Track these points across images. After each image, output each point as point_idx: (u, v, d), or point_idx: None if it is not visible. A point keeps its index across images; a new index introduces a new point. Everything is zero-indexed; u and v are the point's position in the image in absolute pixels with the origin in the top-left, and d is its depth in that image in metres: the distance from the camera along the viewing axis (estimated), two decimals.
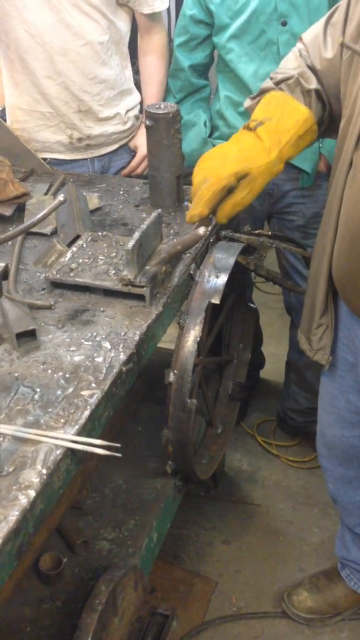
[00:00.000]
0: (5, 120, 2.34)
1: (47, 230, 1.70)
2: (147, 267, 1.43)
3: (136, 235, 1.38)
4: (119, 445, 1.12)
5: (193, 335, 1.53)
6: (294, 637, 1.99)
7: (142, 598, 1.53)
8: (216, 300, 1.55)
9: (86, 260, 1.50)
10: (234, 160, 1.35)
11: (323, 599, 2.01)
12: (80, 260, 1.50)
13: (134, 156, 2.31)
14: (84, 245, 1.56)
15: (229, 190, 1.35)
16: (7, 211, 1.74)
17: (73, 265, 1.48)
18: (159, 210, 1.50)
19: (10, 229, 1.74)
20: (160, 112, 1.68)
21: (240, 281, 1.94)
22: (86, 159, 2.26)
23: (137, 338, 1.32)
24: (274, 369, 2.96)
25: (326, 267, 1.46)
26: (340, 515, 1.94)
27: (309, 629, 2.01)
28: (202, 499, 2.39)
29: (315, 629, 2.00)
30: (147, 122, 1.70)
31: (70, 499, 1.55)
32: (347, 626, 2.02)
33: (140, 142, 2.26)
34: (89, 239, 1.58)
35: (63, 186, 1.93)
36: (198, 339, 1.53)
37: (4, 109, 2.35)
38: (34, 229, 1.70)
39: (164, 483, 1.77)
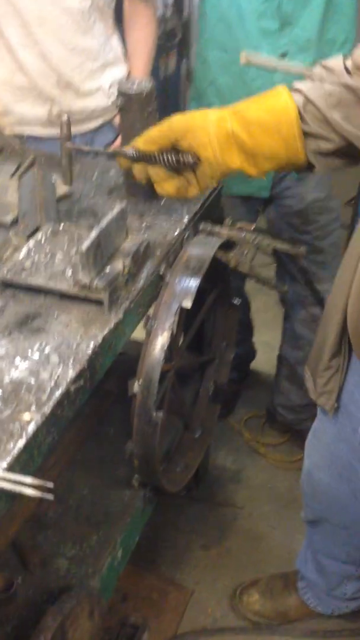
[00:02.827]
0: None
1: (7, 219, 1.54)
2: (107, 269, 1.28)
3: (93, 234, 1.23)
4: (51, 485, 0.98)
5: (160, 342, 1.39)
6: None
7: (99, 625, 1.42)
8: (187, 304, 1.41)
9: (42, 258, 1.35)
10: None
11: (273, 607, 1.92)
12: (36, 258, 1.35)
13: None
14: (43, 240, 1.41)
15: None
16: None
17: (27, 264, 1.34)
18: (123, 203, 1.34)
19: None
20: (133, 90, 1.51)
21: (222, 276, 1.79)
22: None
23: (89, 352, 1.18)
24: (266, 359, 2.82)
25: (342, 307, 1.30)
26: (307, 532, 1.82)
27: None
28: (181, 499, 2.28)
29: None
30: (118, 102, 1.54)
31: (27, 513, 1.43)
32: None
33: None
34: (48, 232, 1.43)
35: (33, 167, 1.77)
36: (166, 346, 1.39)
37: None
38: None
39: (132, 495, 1.65)
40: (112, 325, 1.25)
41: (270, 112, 1.17)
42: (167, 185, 1.31)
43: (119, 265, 1.30)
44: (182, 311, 1.51)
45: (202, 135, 1.21)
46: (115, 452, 1.77)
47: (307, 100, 1.15)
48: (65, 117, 1.40)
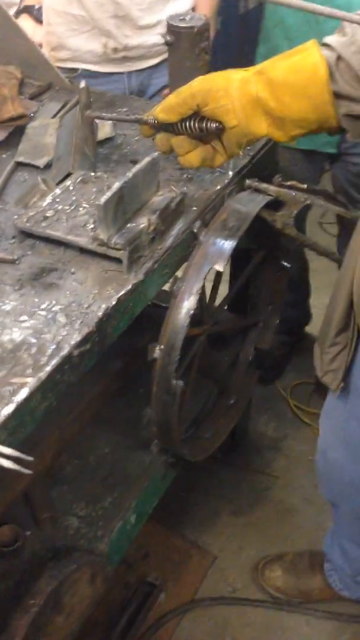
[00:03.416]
0: (41, 22, 2.08)
1: (41, 162, 1.46)
2: (130, 225, 1.18)
3: (115, 186, 1.13)
4: (31, 458, 0.91)
5: (186, 306, 1.29)
6: (290, 632, 1.83)
7: (100, 591, 1.38)
8: (219, 267, 1.30)
9: (66, 208, 1.26)
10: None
11: (296, 585, 1.84)
12: (60, 207, 1.27)
13: None
14: (70, 188, 1.32)
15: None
16: (0, 135, 1.51)
17: (49, 213, 1.25)
18: (155, 154, 1.23)
19: (4, 155, 1.51)
20: (183, 25, 1.37)
21: (271, 237, 1.66)
22: (122, 73, 1.98)
23: (100, 314, 1.10)
24: None
25: (350, 278, 1.18)
26: (334, 515, 1.72)
27: (307, 626, 1.84)
28: (215, 462, 2.20)
29: (313, 627, 1.83)
30: (167, 38, 1.40)
31: (40, 468, 1.40)
32: (350, 629, 1.83)
33: None
34: (77, 180, 1.33)
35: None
36: (192, 311, 1.29)
37: (40, 8, 2.08)
38: (26, 160, 1.47)
39: (154, 459, 1.58)
40: (129, 286, 1.15)
41: (297, 72, 1.01)
42: (191, 157, 1.19)
43: (143, 221, 1.19)
44: (218, 275, 1.41)
45: (225, 101, 1.08)
46: (145, 400, 1.71)
47: (339, 58, 1.00)
48: (83, 84, 1.31)
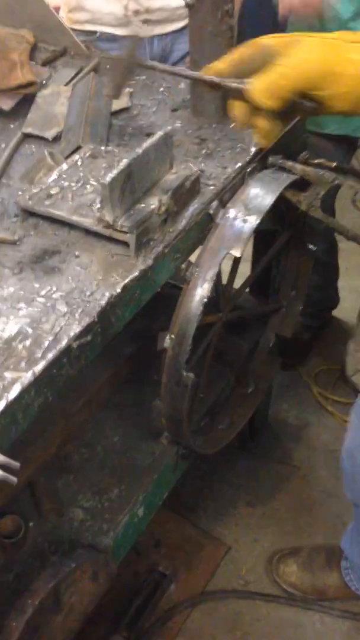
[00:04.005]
0: None
1: (50, 133, 1.37)
2: (139, 206, 1.09)
3: (122, 164, 1.03)
4: (17, 465, 0.84)
5: (200, 293, 1.20)
6: (302, 629, 1.76)
7: (104, 587, 1.32)
8: (237, 252, 1.20)
9: (72, 185, 1.18)
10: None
11: (311, 581, 1.77)
12: (66, 184, 1.18)
13: None
14: (79, 163, 1.23)
15: None
16: (7, 104, 1.42)
17: (54, 190, 1.17)
18: (169, 128, 1.13)
19: (12, 126, 1.42)
20: None
21: (295, 218, 1.55)
22: (144, 38, 1.86)
23: (103, 302, 1.01)
24: (351, 307, 2.56)
25: None
26: (355, 514, 1.63)
27: (321, 624, 1.76)
28: (233, 450, 2.13)
29: (327, 625, 1.76)
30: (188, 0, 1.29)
31: (45, 457, 1.34)
32: None
33: None
34: (87, 155, 1.24)
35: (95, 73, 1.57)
36: (205, 299, 1.20)
37: None
38: (34, 131, 1.38)
39: (164, 450, 1.51)
40: (136, 272, 1.07)
41: None
42: (271, 135, 0.96)
43: (154, 201, 1.10)
44: (236, 260, 1.31)
45: (346, 88, 0.87)
46: (154, 390, 1.63)
47: None
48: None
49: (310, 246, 1.69)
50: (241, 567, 1.88)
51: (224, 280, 1.39)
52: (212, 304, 1.36)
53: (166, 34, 1.87)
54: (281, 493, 2.04)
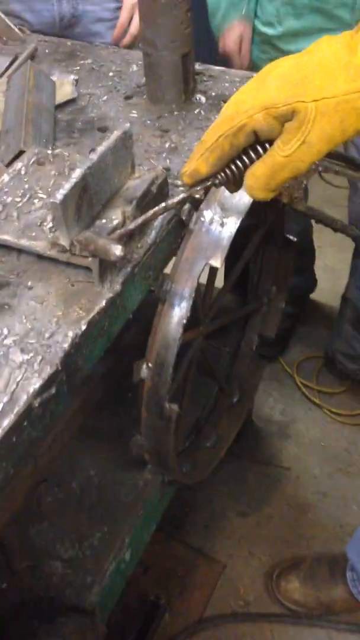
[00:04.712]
0: None
1: None
2: (100, 222, 0.91)
3: (75, 175, 0.85)
4: None
5: (178, 314, 1.04)
6: None
7: None
8: (217, 262, 1.04)
9: (17, 200, 0.99)
10: (277, 81, 0.72)
11: (315, 596, 1.65)
12: (9, 200, 0.99)
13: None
14: (22, 172, 1.03)
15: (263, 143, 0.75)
16: None
17: None
18: (126, 125, 0.94)
19: None
20: None
21: (274, 210, 1.39)
22: None
23: (66, 345, 0.84)
24: (328, 288, 2.43)
25: None
26: None
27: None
28: None
29: None
30: None
31: (16, 507, 1.17)
32: None
33: None
34: (31, 161, 1.05)
35: (32, 60, 1.37)
36: (185, 319, 1.03)
37: None
38: None
39: (148, 479, 1.35)
40: (103, 302, 0.89)
41: None
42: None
43: (117, 215, 0.92)
44: (212, 271, 1.15)
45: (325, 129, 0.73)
46: (133, 422, 1.47)
47: None
48: None
49: (290, 237, 1.53)
50: (239, 586, 1.74)
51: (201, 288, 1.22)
52: (190, 318, 1.20)
53: None
54: (274, 498, 1.91)
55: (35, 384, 0.80)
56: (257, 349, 1.62)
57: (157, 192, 0.99)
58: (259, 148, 0.76)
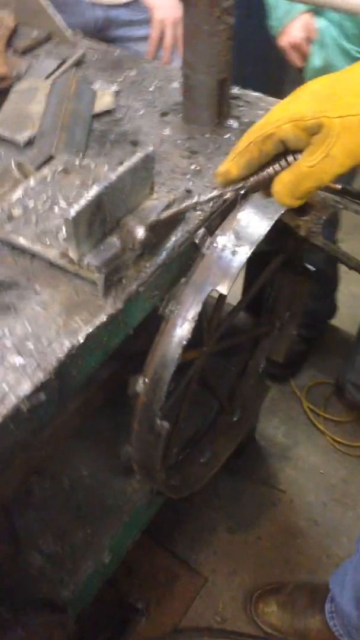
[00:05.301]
0: None
1: (22, 137, 1.21)
2: (111, 239, 0.94)
3: (92, 193, 0.88)
4: None
5: (179, 334, 1.06)
6: None
7: None
8: (224, 289, 1.06)
9: (39, 206, 1.02)
10: (308, 96, 0.77)
11: (292, 623, 1.65)
12: (31, 205, 1.02)
13: None
14: (48, 179, 1.07)
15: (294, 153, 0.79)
16: None
17: (17, 212, 1.01)
18: (150, 149, 0.97)
19: None
20: None
21: (293, 239, 1.40)
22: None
23: (62, 355, 0.87)
24: (349, 315, 2.42)
25: None
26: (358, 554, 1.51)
27: None
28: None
29: None
30: None
31: (1, 499, 1.21)
32: None
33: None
34: (59, 169, 1.09)
35: (79, 66, 1.41)
36: (185, 340, 1.06)
37: None
38: (3, 133, 1.22)
39: (136, 487, 1.38)
40: (104, 318, 0.92)
41: None
42: None
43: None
44: (222, 295, 1.16)
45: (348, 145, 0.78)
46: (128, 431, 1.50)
47: None
48: None
49: (309, 266, 1.55)
50: (218, 602, 1.76)
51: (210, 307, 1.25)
52: (194, 338, 1.23)
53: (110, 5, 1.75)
54: (265, 519, 1.92)
55: (26, 388, 0.83)
56: (263, 371, 1.64)
57: (172, 214, 1.02)
58: (291, 157, 0.80)
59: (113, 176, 0.91)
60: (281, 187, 0.79)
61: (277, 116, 0.78)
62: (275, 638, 1.68)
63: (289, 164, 0.81)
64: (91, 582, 1.29)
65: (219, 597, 1.77)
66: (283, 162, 0.81)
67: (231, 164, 0.84)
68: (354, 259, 1.33)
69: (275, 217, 1.11)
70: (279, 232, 1.34)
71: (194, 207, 0.92)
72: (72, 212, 0.85)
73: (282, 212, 1.13)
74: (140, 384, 1.09)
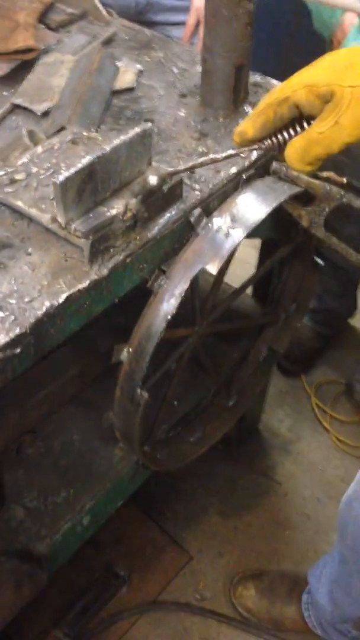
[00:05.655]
0: None
1: (40, 107, 1.25)
2: (101, 209, 0.98)
3: (83, 162, 0.92)
4: None
5: (164, 309, 1.09)
6: None
7: (29, 597, 1.26)
8: (213, 268, 1.08)
9: (41, 172, 1.07)
10: (325, 64, 0.82)
11: (268, 609, 1.68)
12: (34, 170, 1.07)
13: None
14: (55, 147, 1.11)
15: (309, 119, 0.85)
16: (1, 69, 1.30)
17: (19, 176, 1.06)
18: (148, 125, 1.00)
19: (5, 93, 1.31)
20: None
21: (301, 230, 1.41)
22: None
23: (40, 313, 0.91)
24: None
25: None
26: (334, 551, 1.52)
27: None
28: (217, 452, 2.03)
29: None
30: None
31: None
32: None
33: None
34: (67, 139, 1.13)
35: (108, 44, 1.45)
36: (170, 315, 1.09)
37: None
38: (23, 103, 1.27)
39: (123, 457, 1.42)
40: (86, 282, 0.96)
41: None
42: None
43: (119, 205, 0.99)
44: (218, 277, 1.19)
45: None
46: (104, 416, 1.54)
47: None
48: None
49: (318, 260, 1.55)
50: (199, 581, 1.80)
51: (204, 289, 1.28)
52: (186, 318, 1.26)
53: None
54: (257, 508, 1.95)
55: (1, 339, 0.88)
56: (270, 363, 1.66)
57: (168, 192, 1.05)
58: (305, 123, 0.85)
59: (107, 147, 0.95)
60: (292, 151, 0.85)
61: (294, 81, 0.83)
62: (250, 622, 1.70)
63: (302, 130, 0.86)
64: (68, 540, 1.34)
65: (201, 577, 1.80)
66: (298, 128, 0.87)
67: (248, 124, 0.89)
68: (354, 253, 1.33)
69: (275, 204, 1.13)
70: (287, 222, 1.36)
71: (210, 162, 0.98)
72: (61, 177, 0.89)
73: (282, 199, 1.15)
74: (125, 353, 1.13)
